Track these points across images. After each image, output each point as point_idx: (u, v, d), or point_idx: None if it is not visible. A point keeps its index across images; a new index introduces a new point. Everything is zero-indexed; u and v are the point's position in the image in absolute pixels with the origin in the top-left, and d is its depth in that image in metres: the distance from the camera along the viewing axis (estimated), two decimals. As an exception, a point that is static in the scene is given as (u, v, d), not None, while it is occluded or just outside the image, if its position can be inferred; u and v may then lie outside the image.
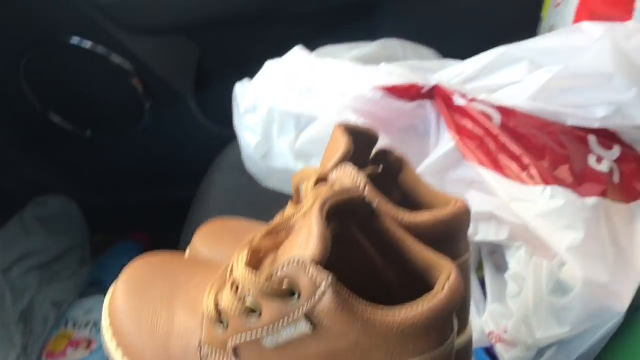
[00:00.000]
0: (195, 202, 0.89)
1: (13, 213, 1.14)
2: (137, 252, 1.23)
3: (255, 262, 0.34)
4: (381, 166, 0.43)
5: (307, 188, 0.37)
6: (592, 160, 0.57)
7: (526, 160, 0.54)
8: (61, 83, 1.02)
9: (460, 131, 0.57)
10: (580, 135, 0.58)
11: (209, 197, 0.87)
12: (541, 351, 0.53)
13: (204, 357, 0.35)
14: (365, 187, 0.36)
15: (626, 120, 0.57)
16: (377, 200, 0.35)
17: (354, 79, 0.60)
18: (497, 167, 0.55)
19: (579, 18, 0.62)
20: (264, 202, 0.81)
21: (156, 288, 0.40)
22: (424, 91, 0.60)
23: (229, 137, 0.77)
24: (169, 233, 1.14)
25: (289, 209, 0.39)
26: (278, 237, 0.36)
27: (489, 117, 0.57)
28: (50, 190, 1.19)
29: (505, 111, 0.57)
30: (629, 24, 0.59)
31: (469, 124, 0.57)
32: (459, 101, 0.58)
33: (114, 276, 1.27)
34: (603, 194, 0.54)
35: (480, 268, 0.70)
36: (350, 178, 0.36)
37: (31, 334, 1.07)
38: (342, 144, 0.39)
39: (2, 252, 1.09)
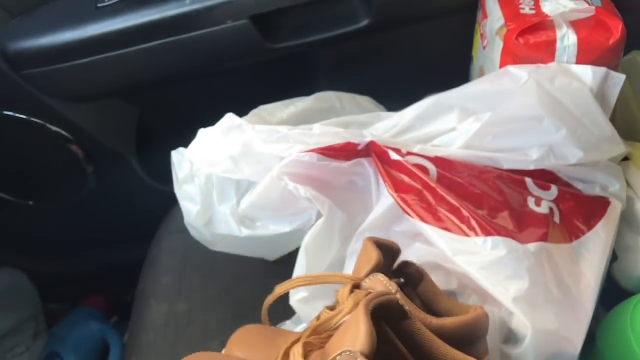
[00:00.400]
0: (145, 266, 0.87)
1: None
2: (92, 318, 1.20)
3: (305, 354, 0.39)
4: (401, 279, 0.49)
5: (344, 294, 0.42)
6: (531, 203, 0.58)
7: (465, 211, 0.54)
8: (-1, 155, 0.99)
9: (397, 187, 0.57)
10: (517, 178, 0.58)
11: (158, 261, 0.85)
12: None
13: None
14: (397, 292, 0.41)
15: (559, 159, 0.58)
16: (408, 304, 0.41)
17: (288, 143, 0.60)
18: (438, 220, 0.55)
19: (504, 61, 0.63)
20: (213, 263, 0.80)
21: None
22: (359, 148, 0.59)
23: (174, 195, 0.76)
24: (127, 294, 1.11)
25: (324, 313, 0.43)
26: (321, 337, 0.40)
27: (424, 170, 0.57)
28: (-2, 264, 1.15)
29: (440, 162, 0.57)
30: (552, 65, 0.60)
31: (405, 179, 0.57)
32: (394, 156, 0.58)
33: (71, 348, 1.22)
34: (544, 238, 0.55)
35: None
36: (383, 285, 0.42)
37: (-16, 416, 1.02)
38: (373, 256, 0.45)
39: (-52, 334, 1.05)
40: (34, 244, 1.19)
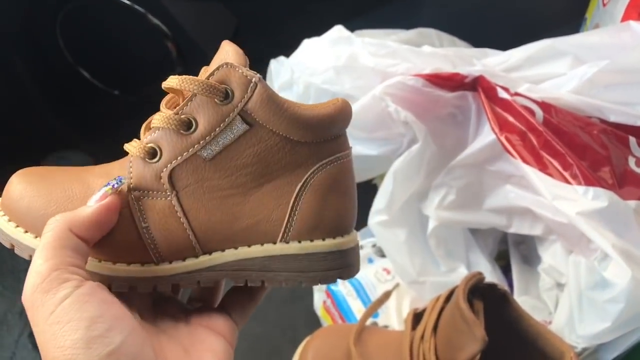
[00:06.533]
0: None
1: (32, 163, 1.14)
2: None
3: None
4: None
5: None
6: (631, 163, 0.56)
7: (569, 159, 0.54)
8: (95, 39, 1.01)
9: (502, 125, 0.56)
10: (621, 135, 0.57)
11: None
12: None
13: (135, 199, 0.34)
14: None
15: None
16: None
17: (395, 60, 0.59)
18: (540, 164, 0.54)
19: (627, 15, 0.60)
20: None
21: (58, 175, 0.38)
22: (467, 81, 0.59)
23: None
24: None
25: None
26: None
27: (531, 113, 0.56)
28: (71, 146, 1.19)
29: (547, 107, 0.56)
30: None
31: (510, 119, 0.56)
32: (502, 94, 0.57)
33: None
34: (642, 198, 0.54)
35: (501, 257, 0.70)
36: None
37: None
38: None
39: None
40: (108, 136, 1.22)
